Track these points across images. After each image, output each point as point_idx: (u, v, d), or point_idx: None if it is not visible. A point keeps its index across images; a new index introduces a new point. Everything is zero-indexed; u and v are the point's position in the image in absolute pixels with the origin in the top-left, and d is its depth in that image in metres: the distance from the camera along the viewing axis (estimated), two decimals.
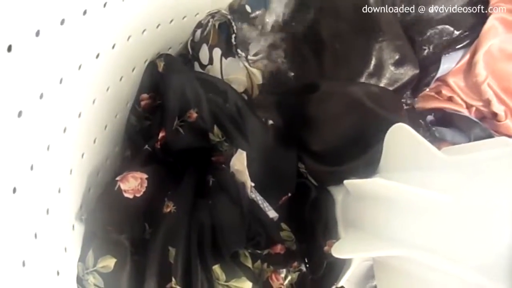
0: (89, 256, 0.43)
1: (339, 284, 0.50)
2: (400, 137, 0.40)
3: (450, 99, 0.57)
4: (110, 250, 0.43)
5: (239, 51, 0.57)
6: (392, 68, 0.47)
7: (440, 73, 0.55)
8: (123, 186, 0.45)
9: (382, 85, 0.47)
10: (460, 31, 0.54)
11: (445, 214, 0.33)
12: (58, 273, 0.41)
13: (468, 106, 0.57)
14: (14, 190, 0.34)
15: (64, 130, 0.40)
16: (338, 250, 0.40)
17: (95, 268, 0.43)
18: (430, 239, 0.34)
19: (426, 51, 0.53)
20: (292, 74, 0.53)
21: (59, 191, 0.41)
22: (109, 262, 0.43)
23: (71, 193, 0.44)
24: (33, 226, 0.37)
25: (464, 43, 0.54)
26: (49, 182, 0.39)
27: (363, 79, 0.47)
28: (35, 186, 0.37)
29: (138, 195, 0.46)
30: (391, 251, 0.35)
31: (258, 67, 0.58)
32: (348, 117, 0.48)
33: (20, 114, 0.32)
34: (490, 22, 0.52)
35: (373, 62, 0.47)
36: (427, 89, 0.56)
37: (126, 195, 0.45)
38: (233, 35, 0.57)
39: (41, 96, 0.35)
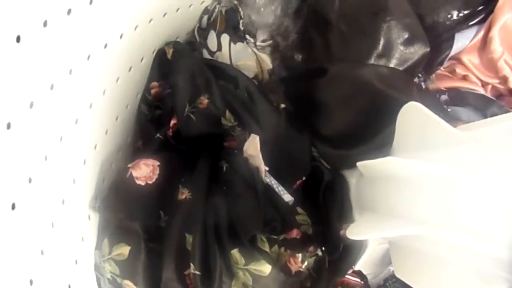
0: (105, 244, 0.44)
1: (356, 268, 0.50)
2: (413, 116, 0.39)
3: (464, 77, 0.56)
4: (124, 238, 0.43)
5: (247, 36, 0.57)
6: (401, 47, 0.46)
7: (453, 51, 0.54)
8: (135, 173, 0.45)
9: (391, 65, 0.46)
10: (473, 7, 0.53)
11: (461, 189, 0.33)
12: (76, 262, 0.42)
13: (484, 84, 0.55)
14: (30, 180, 0.34)
15: (76, 121, 0.41)
16: (353, 232, 0.40)
17: (111, 256, 0.43)
18: (447, 215, 0.33)
19: (437, 29, 0.52)
20: (301, 57, 0.52)
21: (73, 182, 0.42)
22: (124, 250, 0.43)
23: (86, 184, 0.45)
24: (49, 216, 0.38)
25: (478, 19, 0.53)
26: (63, 173, 0.40)
27: (372, 61, 0.46)
28: (49, 176, 0.37)
29: (150, 182, 0.46)
30: (406, 230, 0.35)
31: (267, 52, 0.57)
32: (358, 100, 0.47)
33: (32, 105, 0.33)
34: None
35: (381, 42, 0.45)
36: (441, 68, 0.55)
37: (138, 182, 0.45)
38: (241, 21, 0.57)
39: (51, 87, 0.35)
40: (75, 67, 0.38)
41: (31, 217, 0.35)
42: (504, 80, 0.53)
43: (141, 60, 0.51)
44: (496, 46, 0.52)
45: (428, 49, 0.47)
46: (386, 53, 0.46)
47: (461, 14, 0.53)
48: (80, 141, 0.42)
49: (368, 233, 0.39)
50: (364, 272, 0.51)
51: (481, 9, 0.53)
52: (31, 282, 0.34)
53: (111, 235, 0.44)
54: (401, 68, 0.47)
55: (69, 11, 0.34)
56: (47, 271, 0.37)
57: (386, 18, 0.45)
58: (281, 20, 0.55)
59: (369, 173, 0.43)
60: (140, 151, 0.52)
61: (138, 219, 0.44)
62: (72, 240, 0.42)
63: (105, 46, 0.42)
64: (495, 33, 0.51)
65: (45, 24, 0.32)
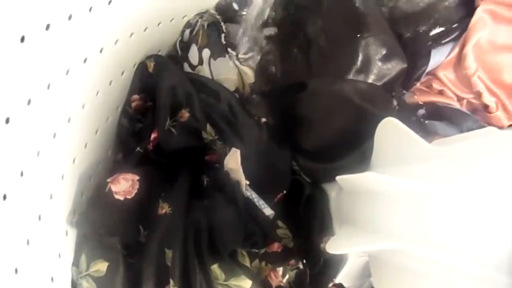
0: (82, 260, 0.43)
1: (337, 281, 0.50)
2: (390, 131, 0.40)
3: (441, 92, 0.57)
4: (102, 254, 0.43)
5: (229, 50, 0.57)
6: (379, 63, 0.47)
7: (430, 67, 0.55)
8: (114, 188, 0.45)
9: (370, 81, 0.47)
10: (448, 25, 0.54)
11: (438, 205, 0.33)
12: (52, 279, 0.41)
13: (459, 99, 0.57)
14: (5, 197, 0.33)
15: (54, 136, 0.40)
16: (332, 246, 0.40)
17: (88, 272, 0.43)
18: (424, 230, 0.34)
19: (414, 46, 0.53)
20: (281, 72, 0.53)
21: (51, 197, 0.41)
22: (101, 266, 0.43)
23: (64, 199, 0.44)
24: (25, 232, 0.37)
25: (453, 36, 0.54)
26: (40, 188, 0.39)
27: (351, 76, 0.47)
28: (26, 192, 0.37)
29: (129, 197, 0.45)
30: (384, 244, 0.35)
31: (249, 65, 0.58)
32: (337, 115, 0.48)
33: (8, 120, 0.32)
34: (478, 14, 0.52)
35: (360, 58, 0.46)
36: (418, 83, 0.56)
37: (117, 197, 0.45)
38: (223, 35, 0.57)
39: (28, 102, 0.35)
40: (53, 82, 0.37)
41: (5, 234, 0.34)
42: (478, 95, 0.55)
43: (122, 74, 0.51)
44: (470, 63, 0.53)
45: (405, 65, 0.49)
46: (365, 69, 0.46)
47: (436, 31, 0.54)
48: (58, 155, 0.42)
49: (347, 247, 0.40)
50: (345, 285, 0.52)
51: (456, 26, 0.54)
52: None
53: (88, 251, 0.44)
54: (379, 84, 0.47)
55: (47, 27, 0.34)
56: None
57: (364, 35, 0.46)
58: (262, 33, 0.56)
59: (348, 187, 0.43)
60: (120, 165, 0.51)
61: (117, 234, 0.44)
62: (48, 257, 0.41)
63: (85, 60, 0.42)
64: (469, 50, 0.53)
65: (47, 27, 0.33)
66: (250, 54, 0.57)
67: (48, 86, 0.37)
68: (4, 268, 0.34)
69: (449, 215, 0.33)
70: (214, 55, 0.56)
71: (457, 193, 0.33)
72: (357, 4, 0.47)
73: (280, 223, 0.50)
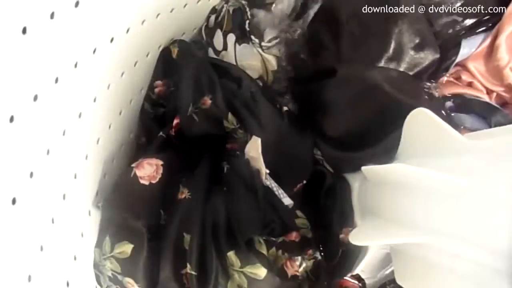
0: (106, 242, 0.44)
1: (354, 272, 0.49)
2: (420, 122, 0.39)
3: (470, 84, 0.55)
4: (127, 236, 0.43)
5: (252, 37, 0.56)
6: (412, 52, 0.46)
7: (459, 57, 0.53)
8: (138, 172, 0.45)
9: (401, 69, 0.46)
10: (480, 15, 0.53)
11: (467, 199, 0.33)
12: (75, 258, 0.42)
13: (489, 92, 0.55)
14: (31, 175, 0.34)
15: (80, 115, 0.40)
16: (356, 237, 0.40)
17: (112, 253, 0.43)
18: (453, 225, 0.33)
19: (445, 35, 0.51)
20: (309, 58, 0.52)
21: (75, 177, 0.41)
22: (126, 248, 0.43)
23: (87, 179, 0.44)
24: (50, 211, 0.37)
25: (485, 27, 0.53)
26: (65, 167, 0.39)
27: (382, 64, 0.46)
28: (51, 171, 0.37)
29: (153, 181, 0.46)
30: (412, 238, 0.35)
31: (272, 53, 0.57)
32: (366, 102, 0.47)
33: (35, 98, 0.32)
34: None
35: (392, 46, 0.45)
36: (447, 74, 0.55)
37: (142, 181, 0.45)
38: (247, 21, 0.56)
39: (56, 80, 0.34)
40: (81, 60, 0.37)
41: (31, 212, 0.34)
42: (509, 88, 0.53)
43: (147, 55, 0.51)
44: (503, 54, 0.51)
45: (437, 56, 0.47)
46: (397, 57, 0.45)
47: (468, 22, 0.53)
48: (83, 135, 0.42)
49: (373, 239, 0.39)
50: (363, 276, 0.51)
51: (489, 17, 0.53)
52: (29, 278, 0.34)
53: (113, 233, 0.44)
54: (410, 73, 0.46)
55: (76, 4, 0.33)
56: (46, 267, 0.36)
57: (398, 22, 0.45)
58: (289, 18, 0.55)
59: (375, 178, 0.42)
60: (143, 149, 0.51)
61: (142, 218, 0.44)
62: (72, 236, 0.41)
63: (111, 40, 0.41)
64: (502, 41, 0.51)
65: (52, 16, 0.31)
66: (274, 42, 0.56)
67: (76, 65, 0.37)
68: (30, 245, 0.34)
69: (480, 211, 0.32)
70: (239, 40, 0.55)
71: (489, 189, 0.32)
72: None
73: (299, 212, 0.50)
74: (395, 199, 0.39)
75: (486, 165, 0.33)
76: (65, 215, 0.40)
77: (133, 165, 0.46)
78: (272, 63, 0.57)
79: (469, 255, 0.32)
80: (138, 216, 0.44)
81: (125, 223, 0.44)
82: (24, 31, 0.29)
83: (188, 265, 0.42)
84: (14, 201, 0.32)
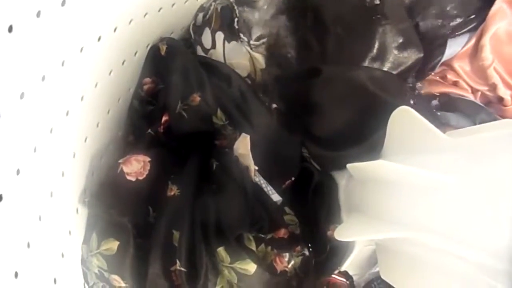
0: (93, 238, 0.44)
1: (342, 269, 0.50)
2: (404, 120, 0.40)
3: (455, 83, 0.56)
4: (113, 233, 0.43)
5: (241, 35, 0.57)
6: (395, 51, 0.46)
7: (445, 57, 0.54)
8: (125, 169, 0.45)
9: (385, 69, 0.47)
10: (465, 15, 0.53)
11: (449, 195, 0.33)
12: (62, 255, 0.42)
13: (474, 91, 0.56)
14: (18, 172, 0.34)
15: (67, 113, 0.40)
16: (341, 233, 0.40)
17: (99, 250, 0.43)
18: (434, 220, 0.34)
19: (430, 35, 0.52)
20: (295, 58, 0.52)
21: (62, 175, 0.42)
22: (112, 245, 0.43)
23: (75, 177, 0.44)
24: (37, 208, 0.37)
25: (470, 27, 0.53)
26: (52, 165, 0.40)
27: (366, 63, 0.46)
28: (38, 168, 0.37)
29: (140, 178, 0.46)
30: (394, 233, 0.35)
31: (260, 51, 0.57)
32: (351, 102, 0.47)
33: (22, 95, 0.32)
34: (498, 4, 0.51)
35: (376, 45, 0.46)
36: (432, 74, 0.56)
37: (128, 178, 0.45)
38: (236, 19, 0.56)
39: (43, 79, 0.35)
40: (68, 59, 0.37)
41: (18, 209, 0.34)
42: (493, 87, 0.54)
43: (135, 54, 0.51)
44: (487, 54, 0.52)
45: (421, 55, 0.48)
46: (381, 57, 0.46)
47: (454, 22, 0.53)
48: (70, 133, 0.42)
49: (357, 235, 0.40)
50: (350, 273, 0.52)
51: (474, 17, 0.54)
52: (16, 274, 0.34)
53: (100, 229, 0.44)
54: (394, 72, 0.47)
55: (63, 3, 0.34)
56: (33, 264, 0.36)
57: (382, 22, 0.45)
58: (276, 18, 0.55)
59: (360, 175, 0.43)
60: (131, 147, 0.51)
61: (128, 214, 0.44)
62: (59, 233, 0.41)
63: (99, 39, 0.41)
64: (486, 41, 0.52)
65: (38, 14, 0.31)
66: (262, 41, 0.56)
67: (63, 63, 0.37)
68: (17, 242, 0.34)
69: (460, 206, 0.33)
70: (227, 38, 0.55)
71: (469, 185, 0.33)
72: None
73: (287, 209, 0.50)
74: (378, 196, 0.39)
75: (466, 162, 0.34)
76: (53, 212, 0.40)
77: (120, 161, 0.46)
78: (261, 61, 0.57)
79: (450, 249, 0.33)
80: (124, 212, 0.44)
81: (111, 219, 0.44)
82: (10, 29, 0.29)
83: (178, 262, 0.43)
84: (0, 198, 0.32)
